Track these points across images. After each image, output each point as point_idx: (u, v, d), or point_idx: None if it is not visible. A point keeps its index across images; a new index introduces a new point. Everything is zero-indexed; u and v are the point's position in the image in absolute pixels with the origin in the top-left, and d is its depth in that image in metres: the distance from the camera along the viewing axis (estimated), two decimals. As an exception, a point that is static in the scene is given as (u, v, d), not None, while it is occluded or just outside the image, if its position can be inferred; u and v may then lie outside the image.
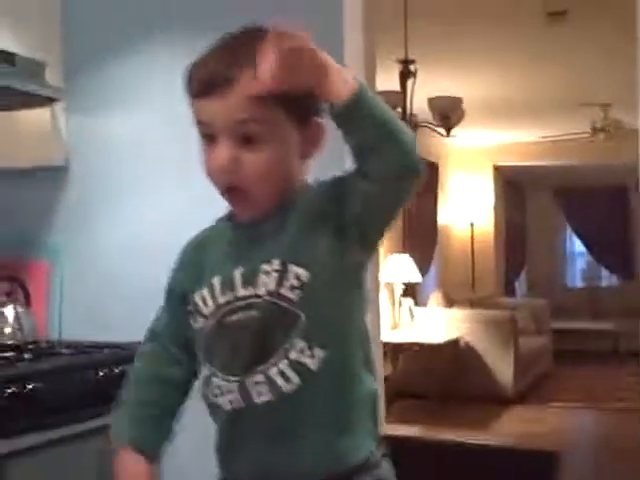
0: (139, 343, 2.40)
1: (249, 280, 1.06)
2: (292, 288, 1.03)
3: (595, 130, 6.15)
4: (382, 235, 1.06)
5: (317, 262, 1.03)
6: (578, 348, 7.94)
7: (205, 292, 1.10)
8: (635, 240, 9.23)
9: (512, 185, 8.90)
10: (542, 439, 4.44)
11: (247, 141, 1.03)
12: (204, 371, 1.12)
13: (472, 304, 6.61)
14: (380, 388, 1.32)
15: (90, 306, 2.58)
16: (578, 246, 10.10)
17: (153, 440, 1.14)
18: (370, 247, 1.08)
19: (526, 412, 5.59)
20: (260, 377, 1.04)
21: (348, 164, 1.06)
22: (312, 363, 1.02)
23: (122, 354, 2.37)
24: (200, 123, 1.07)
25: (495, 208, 8.19)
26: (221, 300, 1.08)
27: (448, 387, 5.60)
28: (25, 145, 2.57)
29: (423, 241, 6.85)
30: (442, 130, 4.09)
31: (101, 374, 2.24)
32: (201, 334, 1.11)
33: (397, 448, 1.14)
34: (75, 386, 2.17)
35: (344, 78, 0.97)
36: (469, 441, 1.54)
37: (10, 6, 2.42)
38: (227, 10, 2.38)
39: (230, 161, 1.04)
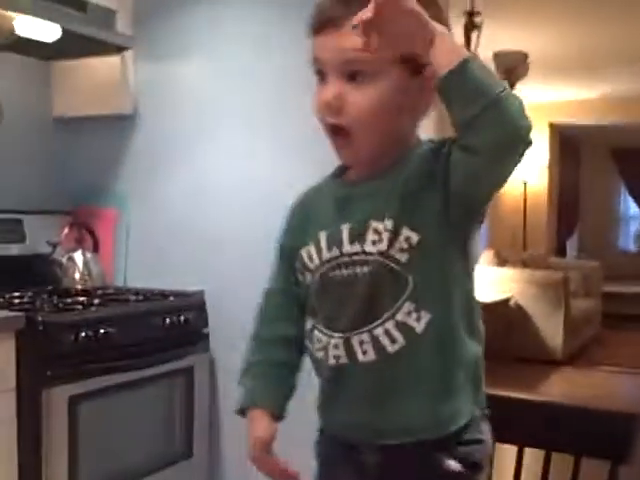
0: (202, 291, 2.47)
1: (356, 236, 1.06)
2: (401, 250, 1.03)
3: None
4: (486, 203, 1.04)
5: (426, 226, 1.03)
6: (628, 312, 7.81)
7: (311, 247, 1.11)
8: (693, 204, 8.97)
9: (567, 144, 8.67)
10: (596, 402, 4.41)
11: (354, 80, 1.03)
12: (307, 325, 1.14)
13: (524, 264, 6.53)
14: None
15: (155, 253, 2.61)
16: (633, 208, 9.86)
17: (279, 399, 1.17)
18: (475, 216, 1.06)
19: (575, 375, 5.55)
20: (366, 336, 1.05)
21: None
22: (417, 325, 1.03)
23: (187, 302, 2.42)
24: (313, 60, 1.08)
25: (549, 167, 8.01)
26: (326, 255, 1.09)
27: (497, 347, 5.53)
28: (94, 93, 2.60)
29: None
30: (504, 85, 3.99)
31: (167, 321, 2.29)
32: (308, 289, 1.13)
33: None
34: (143, 332, 2.22)
35: (451, 45, 0.95)
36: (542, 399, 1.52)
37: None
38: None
39: (335, 97, 1.04)
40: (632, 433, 1.29)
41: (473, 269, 1.10)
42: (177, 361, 2.32)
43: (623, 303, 7.95)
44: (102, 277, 2.50)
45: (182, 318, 2.35)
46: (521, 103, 0.95)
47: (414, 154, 1.07)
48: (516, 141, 0.95)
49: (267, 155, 2.44)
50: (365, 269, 1.05)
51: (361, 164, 1.10)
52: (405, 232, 1.03)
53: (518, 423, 1.18)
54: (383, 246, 1.03)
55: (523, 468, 1.35)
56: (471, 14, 3.84)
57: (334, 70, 1.04)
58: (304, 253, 1.12)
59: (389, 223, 1.03)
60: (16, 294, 2.27)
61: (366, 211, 1.06)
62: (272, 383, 1.17)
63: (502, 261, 6.47)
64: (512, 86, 3.94)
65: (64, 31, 2.23)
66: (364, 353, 1.05)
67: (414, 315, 1.03)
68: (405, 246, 1.02)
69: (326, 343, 1.09)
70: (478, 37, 3.90)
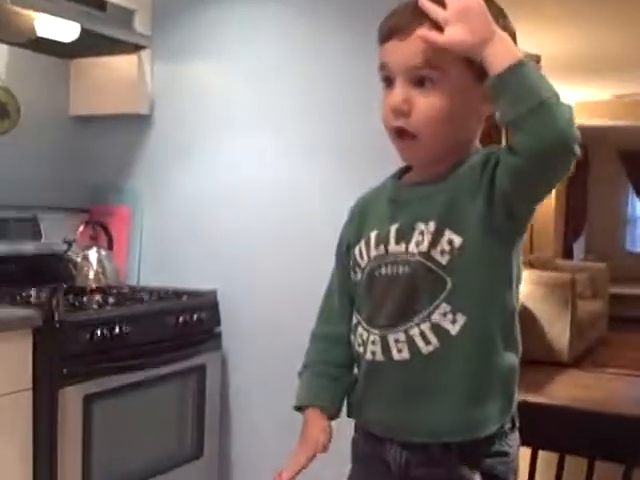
0: (215, 290, 2.49)
1: (402, 237, 1.09)
2: (442, 252, 1.05)
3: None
4: (530, 212, 1.05)
5: (470, 230, 1.05)
6: (634, 315, 7.80)
7: (362, 245, 1.15)
8: (701, 207, 8.94)
9: (576, 145, 8.64)
10: (606, 405, 4.41)
11: (421, 85, 1.06)
12: (353, 320, 1.18)
13: (531, 265, 6.52)
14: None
15: (168, 251, 2.63)
16: (640, 210, 9.84)
17: (333, 399, 1.20)
18: (518, 224, 1.07)
19: (582, 377, 5.54)
20: (401, 335, 1.08)
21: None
22: (452, 328, 1.05)
23: (200, 301, 2.44)
24: (381, 66, 1.10)
25: (558, 168, 7.99)
26: (374, 253, 1.12)
27: (503, 348, 5.57)
28: (111, 92, 2.61)
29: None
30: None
31: (181, 320, 2.31)
32: (357, 286, 1.16)
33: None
34: (157, 331, 2.24)
35: (507, 47, 0.98)
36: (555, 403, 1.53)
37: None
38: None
39: (403, 102, 1.06)
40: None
41: (518, 283, 1.11)
42: (190, 360, 2.33)
43: (630, 305, 7.93)
44: (116, 275, 2.52)
45: (195, 317, 2.36)
46: (571, 113, 0.96)
47: (470, 161, 1.09)
48: (559, 148, 0.95)
49: (284, 155, 2.45)
50: (406, 268, 1.08)
51: (422, 166, 1.13)
52: (448, 234, 1.05)
53: (532, 426, 1.20)
54: (424, 247, 1.06)
55: (537, 471, 1.37)
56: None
57: (402, 76, 1.07)
58: (357, 251, 1.16)
59: (432, 225, 1.06)
60: (32, 292, 2.29)
61: (415, 213, 1.09)
62: (329, 383, 1.20)
63: (509, 262, 6.44)
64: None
65: (83, 30, 2.25)
66: (399, 352, 1.08)
67: (450, 317, 1.05)
68: (447, 248, 1.05)
69: (366, 338, 1.12)
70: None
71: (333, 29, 2.35)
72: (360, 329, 1.15)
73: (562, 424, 1.37)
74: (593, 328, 6.58)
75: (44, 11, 2.13)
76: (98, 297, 2.28)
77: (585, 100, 7.45)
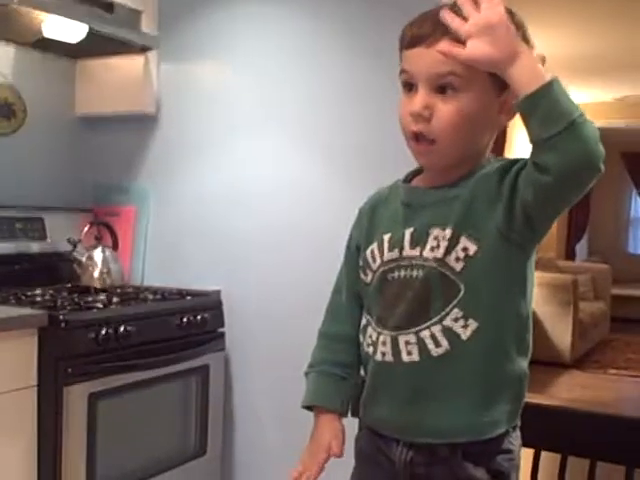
0: (219, 291, 2.50)
1: (417, 241, 1.10)
2: (457, 259, 1.06)
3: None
4: (550, 224, 1.06)
5: (485, 238, 1.06)
6: (636, 316, 7.80)
7: (375, 247, 1.16)
8: None
9: (579, 146, 8.64)
10: (603, 406, 4.42)
11: (443, 92, 1.07)
12: (363, 320, 1.19)
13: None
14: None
15: (173, 252, 2.64)
16: (643, 211, 9.84)
17: (342, 398, 1.21)
18: (536, 235, 1.08)
19: (583, 378, 5.55)
20: (412, 337, 1.09)
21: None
22: (463, 332, 1.06)
23: (204, 301, 2.45)
24: (403, 71, 1.12)
25: (561, 169, 7.99)
26: (387, 256, 1.14)
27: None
28: (117, 92, 2.62)
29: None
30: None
31: (185, 320, 2.32)
32: (367, 287, 1.18)
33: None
34: (161, 331, 2.25)
35: (534, 65, 0.98)
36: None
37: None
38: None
39: (424, 107, 1.08)
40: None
41: (532, 291, 1.12)
42: (193, 360, 2.34)
43: (632, 307, 7.94)
44: (121, 275, 2.53)
45: (199, 317, 2.37)
46: (596, 130, 0.97)
47: (484, 169, 1.10)
48: (588, 167, 0.97)
49: (289, 156, 2.46)
50: (420, 272, 1.09)
51: (438, 171, 1.14)
52: (463, 242, 1.06)
53: (534, 427, 1.21)
54: (439, 253, 1.07)
55: (539, 472, 1.38)
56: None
57: (425, 82, 1.08)
58: (368, 253, 1.17)
59: (449, 232, 1.07)
60: (38, 292, 2.30)
61: (430, 218, 1.10)
62: (337, 383, 1.22)
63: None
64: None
65: (90, 31, 2.26)
66: (408, 353, 1.09)
67: (461, 322, 1.06)
68: (462, 255, 1.06)
69: (376, 339, 1.14)
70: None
71: (340, 30, 2.35)
72: (370, 329, 1.16)
73: (564, 425, 1.38)
74: (595, 329, 6.58)
75: (51, 12, 2.15)
76: (103, 297, 2.29)
77: (587, 102, 7.46)
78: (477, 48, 1.00)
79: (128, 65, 2.57)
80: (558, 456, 1.38)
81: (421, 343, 1.08)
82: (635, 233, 10.03)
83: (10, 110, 2.48)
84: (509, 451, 1.12)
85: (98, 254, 2.48)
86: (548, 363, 5.59)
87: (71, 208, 2.64)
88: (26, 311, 1.99)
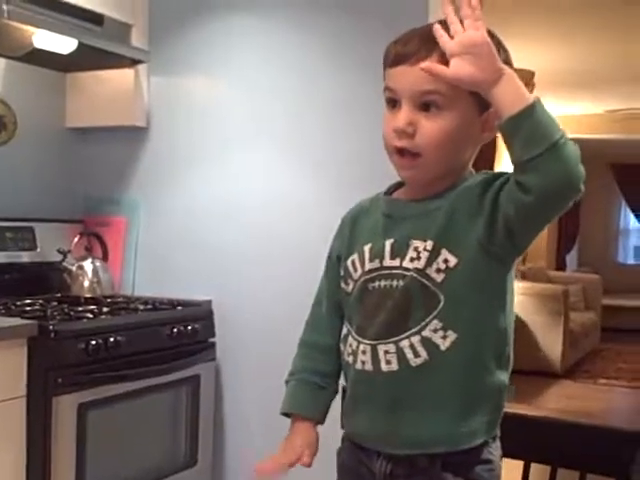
0: (210, 301, 2.51)
1: (398, 252, 1.11)
2: (438, 271, 1.08)
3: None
4: (531, 240, 1.07)
5: (466, 251, 1.07)
6: (627, 326, 7.84)
7: (355, 257, 1.17)
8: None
9: (569, 158, 8.69)
10: (594, 417, 4.43)
11: (427, 109, 1.09)
12: (343, 330, 1.21)
13: (524, 276, 6.55)
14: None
15: (163, 262, 2.65)
16: (633, 222, 9.90)
17: (318, 406, 1.23)
18: (517, 249, 1.08)
19: (574, 388, 5.56)
20: (391, 347, 1.10)
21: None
22: (442, 343, 1.07)
23: (195, 311, 2.46)
24: (387, 89, 1.13)
25: (550, 181, 8.02)
26: (368, 266, 1.15)
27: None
28: (107, 105, 2.63)
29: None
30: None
31: (175, 330, 2.32)
32: (348, 297, 1.19)
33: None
34: (151, 341, 2.25)
35: (516, 87, 1.00)
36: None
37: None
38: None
39: (407, 124, 1.09)
40: (635, 451, 1.31)
41: (511, 304, 1.13)
42: (184, 370, 2.34)
43: (622, 317, 7.97)
44: (111, 285, 2.54)
45: (190, 328, 2.38)
46: (577, 151, 0.99)
47: (466, 181, 1.12)
48: (568, 187, 0.98)
49: (279, 169, 2.48)
50: (401, 282, 1.10)
51: (420, 186, 1.15)
52: (444, 254, 1.08)
53: (524, 438, 1.22)
54: (420, 264, 1.08)
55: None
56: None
57: (409, 99, 1.09)
58: (349, 263, 1.18)
59: (429, 243, 1.09)
60: (27, 301, 2.31)
61: (410, 230, 1.11)
62: (315, 392, 1.23)
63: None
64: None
65: (80, 44, 2.27)
66: (387, 363, 1.10)
67: (440, 333, 1.07)
68: (442, 267, 1.07)
69: (356, 348, 1.15)
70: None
71: (329, 44, 2.38)
72: (350, 339, 1.17)
73: (551, 437, 1.38)
74: (586, 339, 6.61)
75: (41, 26, 2.16)
76: (93, 307, 2.30)
77: (577, 114, 7.52)
78: (460, 67, 1.01)
79: (118, 78, 2.58)
80: (548, 469, 1.37)
81: (400, 353, 1.09)
82: (625, 243, 10.10)
83: (1, 122, 2.49)
84: (489, 461, 1.12)
85: (88, 264, 2.49)
86: (539, 373, 5.61)
87: (61, 219, 2.65)
88: (16, 321, 1.99)
